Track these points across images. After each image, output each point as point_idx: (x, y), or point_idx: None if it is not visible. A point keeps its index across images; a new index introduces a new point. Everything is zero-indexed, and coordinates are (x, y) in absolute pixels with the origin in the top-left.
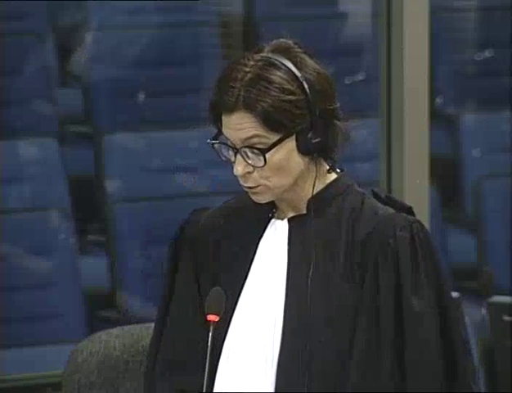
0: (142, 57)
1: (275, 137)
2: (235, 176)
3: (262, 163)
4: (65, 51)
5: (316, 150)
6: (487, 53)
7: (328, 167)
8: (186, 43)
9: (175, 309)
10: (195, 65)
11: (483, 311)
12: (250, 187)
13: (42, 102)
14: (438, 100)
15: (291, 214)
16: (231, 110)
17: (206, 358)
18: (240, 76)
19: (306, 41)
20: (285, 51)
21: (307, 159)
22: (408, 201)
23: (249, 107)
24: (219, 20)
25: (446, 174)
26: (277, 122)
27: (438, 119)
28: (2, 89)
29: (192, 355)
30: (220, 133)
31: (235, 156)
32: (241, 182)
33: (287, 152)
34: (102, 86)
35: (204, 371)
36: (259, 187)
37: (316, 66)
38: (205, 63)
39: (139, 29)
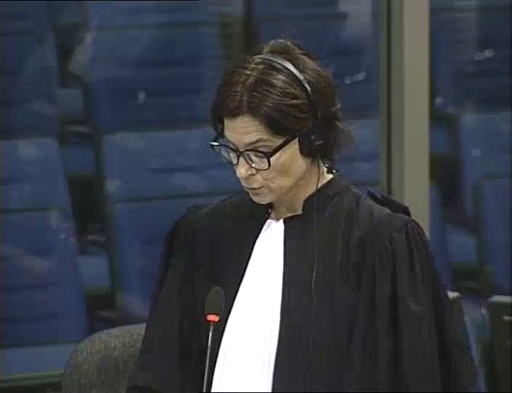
0: (142, 57)
1: (279, 141)
2: (235, 177)
3: (266, 166)
4: (65, 51)
5: (318, 152)
6: (487, 53)
7: (326, 168)
8: (186, 43)
9: (160, 306)
10: (195, 65)
11: (483, 311)
12: (253, 189)
13: (42, 102)
14: (438, 100)
15: (287, 215)
16: (235, 114)
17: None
18: (241, 80)
19: (306, 41)
20: (285, 53)
21: (309, 160)
22: (408, 201)
23: (252, 112)
24: (219, 20)
25: (446, 174)
26: (281, 126)
27: (438, 119)
28: (2, 89)
29: (168, 355)
30: (220, 135)
31: (238, 159)
32: (244, 183)
33: (290, 155)
34: (102, 86)
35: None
36: (262, 188)
37: (317, 68)
38: (205, 63)
39: (139, 29)
